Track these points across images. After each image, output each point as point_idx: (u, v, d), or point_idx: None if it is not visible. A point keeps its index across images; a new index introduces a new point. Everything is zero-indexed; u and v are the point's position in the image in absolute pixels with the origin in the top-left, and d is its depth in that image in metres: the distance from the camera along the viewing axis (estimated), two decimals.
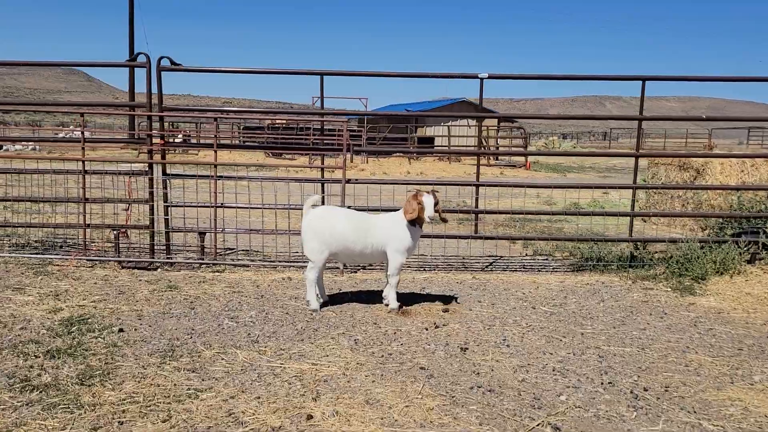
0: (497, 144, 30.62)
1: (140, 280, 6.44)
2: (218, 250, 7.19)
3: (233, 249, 8.03)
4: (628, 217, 7.73)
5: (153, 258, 7.09)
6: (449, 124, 30.72)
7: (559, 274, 7.26)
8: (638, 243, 7.68)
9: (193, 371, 4.10)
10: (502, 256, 8.13)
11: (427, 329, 5.08)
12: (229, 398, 3.72)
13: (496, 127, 31.26)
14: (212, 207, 6.98)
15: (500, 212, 7.67)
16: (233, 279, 6.63)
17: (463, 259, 7.95)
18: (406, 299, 5.83)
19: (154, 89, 6.89)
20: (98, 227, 7.49)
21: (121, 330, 4.84)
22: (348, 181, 6.94)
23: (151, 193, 7.04)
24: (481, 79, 6.83)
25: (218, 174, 6.98)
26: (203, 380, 3.96)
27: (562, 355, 4.57)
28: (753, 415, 3.65)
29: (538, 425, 3.46)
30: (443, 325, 5.19)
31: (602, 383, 4.06)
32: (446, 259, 7.88)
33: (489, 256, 8.14)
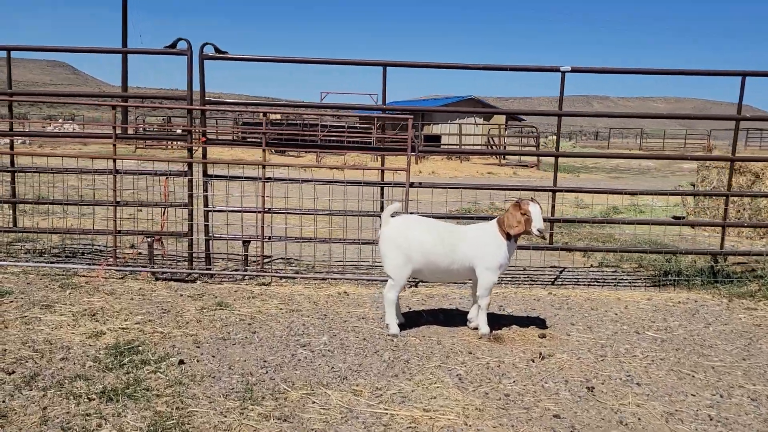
0: (504, 143, 29.99)
1: (181, 295, 5.70)
2: (263, 260, 6.44)
3: (271, 257, 7.29)
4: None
5: (192, 269, 6.34)
6: (457, 122, 30.01)
7: (640, 290, 6.57)
8: (718, 256, 7.01)
9: (285, 420, 3.38)
10: (566, 268, 7.45)
11: (533, 361, 4.39)
12: None
13: (505, 125, 30.64)
14: (260, 212, 6.24)
15: (580, 221, 6.99)
16: (284, 294, 5.90)
17: (525, 270, 7.26)
18: (489, 321, 5.11)
19: (195, 81, 6.13)
20: (131, 233, 6.72)
21: (181, 362, 4.10)
22: (412, 185, 6.22)
23: (191, 196, 6.29)
24: (563, 72, 6.14)
25: (266, 176, 6.23)
26: None
27: (707, 397, 3.88)
28: None
29: None
30: (549, 355, 4.50)
31: None
32: (507, 271, 7.17)
33: (552, 267, 7.45)
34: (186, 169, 6.29)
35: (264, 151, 6.19)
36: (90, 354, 4.18)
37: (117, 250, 6.44)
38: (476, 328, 4.99)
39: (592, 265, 7.70)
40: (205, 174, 6.35)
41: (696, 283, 6.66)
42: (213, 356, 4.25)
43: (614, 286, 6.72)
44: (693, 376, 4.23)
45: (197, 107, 6.17)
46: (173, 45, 6.12)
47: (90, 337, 4.50)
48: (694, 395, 3.92)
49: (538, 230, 4.55)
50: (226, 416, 3.40)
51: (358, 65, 6.38)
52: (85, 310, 5.12)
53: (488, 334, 4.83)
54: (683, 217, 11.09)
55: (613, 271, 7.42)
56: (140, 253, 6.98)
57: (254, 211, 6.37)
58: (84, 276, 6.15)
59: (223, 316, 5.12)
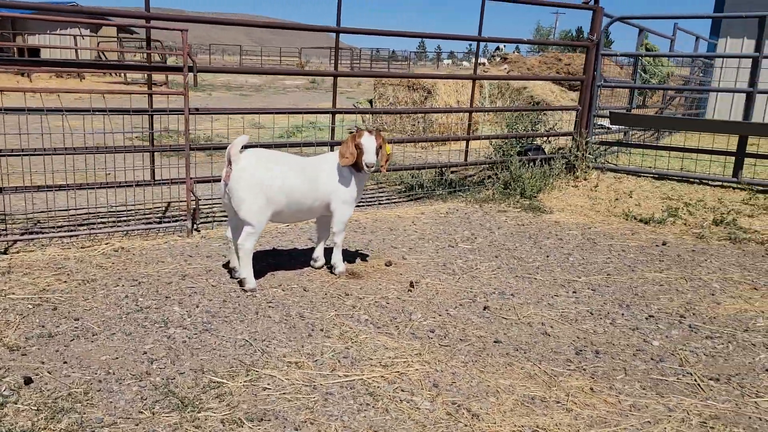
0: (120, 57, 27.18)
1: None
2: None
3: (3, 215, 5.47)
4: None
5: None
6: (59, 32, 25.98)
7: (404, 205, 6.89)
8: (442, 168, 7.71)
9: (261, 419, 2.68)
10: None
11: (410, 291, 4.30)
12: None
13: (117, 38, 27.66)
14: None
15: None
16: (46, 262, 4.54)
17: None
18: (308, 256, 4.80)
19: None
20: None
21: (28, 380, 2.87)
22: (191, 111, 5.26)
23: None
24: None
25: None
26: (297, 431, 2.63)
27: (567, 296, 4.36)
28: None
29: (694, 379, 3.24)
30: (416, 282, 4.45)
31: (647, 317, 4.01)
32: None
33: None
34: None
35: None
36: None
37: None
38: (321, 267, 4.65)
39: None
40: None
41: (441, 194, 7.26)
42: (64, 362, 3.08)
43: (378, 204, 6.91)
44: (535, 278, 4.68)
45: None
46: None
47: None
48: (557, 296, 4.35)
49: (368, 165, 4.26)
50: None
51: None
52: None
53: (345, 272, 4.53)
54: None
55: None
56: None
57: None
58: None
59: (4, 306, 3.71)
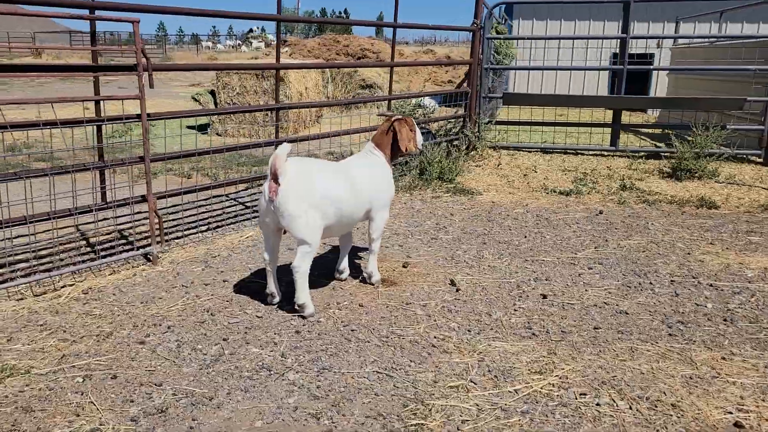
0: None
1: None
2: None
3: None
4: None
5: None
6: None
7: None
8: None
9: None
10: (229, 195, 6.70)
11: (458, 290, 4.16)
12: None
13: None
14: None
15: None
16: (12, 319, 3.60)
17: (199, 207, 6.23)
18: (320, 267, 4.47)
19: None
20: None
21: None
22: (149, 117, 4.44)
23: None
24: None
25: None
26: None
27: (589, 273, 4.53)
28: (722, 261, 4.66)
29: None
30: (452, 281, 4.31)
31: (671, 282, 4.35)
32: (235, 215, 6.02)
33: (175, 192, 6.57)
34: None
35: None
36: None
37: None
38: (346, 279, 4.30)
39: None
40: None
41: None
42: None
43: None
44: (542, 260, 4.81)
45: None
46: None
47: None
48: (580, 274, 4.51)
49: (423, 144, 4.27)
50: None
51: None
52: None
53: (380, 280, 4.24)
54: (209, 125, 10.99)
55: None
56: None
57: None
58: None
59: (49, 385, 2.87)
